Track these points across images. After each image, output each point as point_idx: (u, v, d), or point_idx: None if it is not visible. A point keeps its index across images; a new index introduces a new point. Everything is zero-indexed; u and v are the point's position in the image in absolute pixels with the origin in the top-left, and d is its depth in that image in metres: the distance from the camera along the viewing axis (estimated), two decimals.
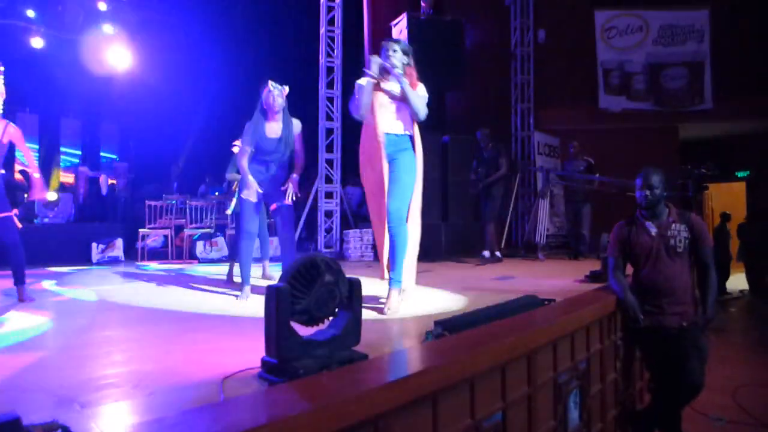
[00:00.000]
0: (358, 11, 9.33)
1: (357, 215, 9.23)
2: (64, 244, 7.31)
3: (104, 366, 2.17)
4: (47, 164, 11.39)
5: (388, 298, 3.30)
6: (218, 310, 3.56)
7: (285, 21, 9.88)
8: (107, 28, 11.10)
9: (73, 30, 10.88)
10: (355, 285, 2.05)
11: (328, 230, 8.47)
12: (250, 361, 2.03)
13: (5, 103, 11.51)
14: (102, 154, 12.33)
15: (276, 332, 1.84)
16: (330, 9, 8.49)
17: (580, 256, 7.36)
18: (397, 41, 3.43)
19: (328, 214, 8.50)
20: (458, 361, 1.97)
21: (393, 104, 3.37)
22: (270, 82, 3.87)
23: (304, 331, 1.96)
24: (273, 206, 4.04)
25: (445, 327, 2.60)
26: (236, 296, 3.94)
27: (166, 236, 7.89)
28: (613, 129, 9.95)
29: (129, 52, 11.10)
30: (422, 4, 8.93)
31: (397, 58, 3.32)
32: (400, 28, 8.78)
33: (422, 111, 3.33)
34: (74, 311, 3.64)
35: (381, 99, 3.38)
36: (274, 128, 3.95)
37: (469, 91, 9.34)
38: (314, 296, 1.91)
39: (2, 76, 7.48)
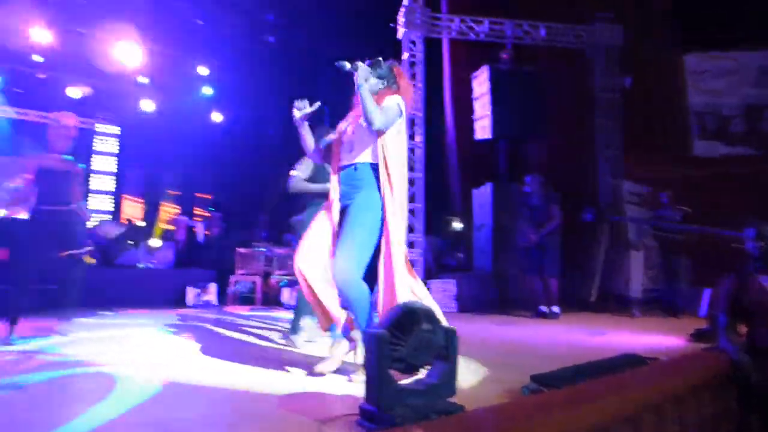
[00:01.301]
0: (439, 64, 9.60)
1: (439, 265, 9.20)
2: (163, 288, 7.79)
3: (199, 406, 2.27)
4: (151, 215, 12.38)
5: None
6: (309, 353, 3.62)
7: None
8: (207, 90, 12.14)
9: (177, 93, 11.99)
10: (451, 335, 2.05)
11: None
12: (343, 405, 2.05)
13: (121, 159, 12.70)
14: (197, 206, 13.21)
15: (375, 379, 1.85)
16: (412, 64, 8.80)
17: (678, 313, 6.87)
18: (370, 65, 2.93)
19: (411, 264, 8.53)
20: (557, 421, 1.89)
21: (352, 133, 2.92)
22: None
23: (398, 378, 1.97)
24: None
25: (542, 382, 2.51)
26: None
27: (254, 282, 8.22)
28: (709, 175, 9.39)
29: (220, 113, 12.12)
30: (503, 56, 9.06)
31: (369, 86, 2.87)
32: (481, 79, 8.93)
33: (374, 117, 2.72)
34: (172, 350, 3.84)
35: (340, 132, 3.02)
36: None
37: (550, 140, 9.25)
38: (412, 344, 1.92)
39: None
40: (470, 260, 9.18)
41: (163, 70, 11.52)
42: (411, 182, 8.63)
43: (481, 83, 8.93)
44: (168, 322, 5.57)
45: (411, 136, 8.72)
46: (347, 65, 2.84)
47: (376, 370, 1.85)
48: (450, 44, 9.46)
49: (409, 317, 1.93)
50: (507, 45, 9.06)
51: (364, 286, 2.74)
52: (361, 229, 2.74)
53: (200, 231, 9.54)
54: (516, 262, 7.96)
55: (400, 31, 8.82)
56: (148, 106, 12.03)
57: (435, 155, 9.23)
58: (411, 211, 8.61)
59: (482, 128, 8.80)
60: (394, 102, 2.84)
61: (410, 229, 8.61)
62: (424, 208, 8.69)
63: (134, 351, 3.73)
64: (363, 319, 2.73)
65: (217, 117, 12.45)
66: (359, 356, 2.79)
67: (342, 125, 3.05)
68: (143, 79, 11.63)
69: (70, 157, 4.25)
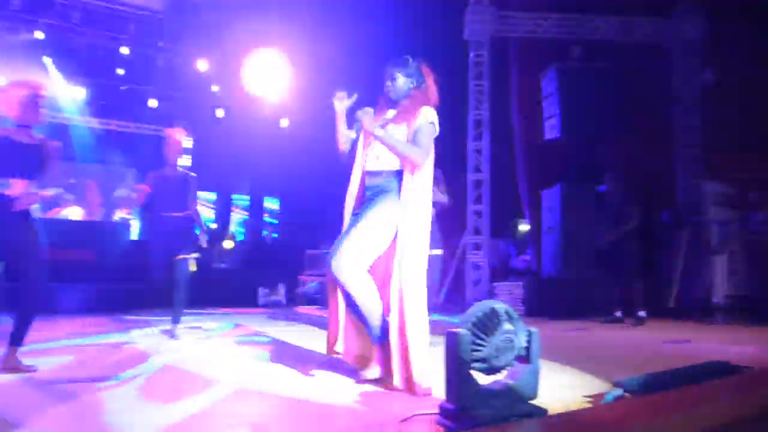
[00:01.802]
0: (505, 63, 9.42)
1: (505, 268, 9.03)
2: (235, 287, 8.08)
3: (278, 405, 2.32)
4: (225, 216, 12.89)
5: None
6: None
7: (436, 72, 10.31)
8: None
9: (246, 100, 12.43)
10: (534, 336, 1.99)
11: (477, 283, 8.36)
12: (421, 404, 2.04)
13: (194, 164, 13.27)
14: (266, 210, 13.65)
15: (456, 379, 1.83)
16: (478, 64, 8.70)
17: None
18: (399, 64, 2.83)
19: (477, 267, 8.41)
20: (645, 428, 1.80)
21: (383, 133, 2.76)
22: None
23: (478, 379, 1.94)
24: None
25: (627, 389, 2.40)
26: None
27: (321, 283, 8.36)
28: None
29: (287, 118, 12.45)
30: (573, 53, 8.79)
31: (398, 86, 2.80)
32: (550, 78, 8.71)
33: (414, 158, 2.62)
34: (247, 349, 3.97)
35: (366, 137, 2.86)
36: None
37: (624, 139, 8.87)
38: (493, 345, 1.89)
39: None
40: (538, 263, 8.95)
41: (233, 77, 11.98)
42: (477, 184, 8.52)
43: (549, 82, 8.70)
44: (241, 321, 5.77)
45: (476, 137, 8.62)
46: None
47: (457, 369, 1.83)
48: (517, 42, 9.26)
49: (490, 317, 1.90)
50: (577, 41, 8.78)
51: (370, 284, 2.59)
52: (367, 228, 2.62)
53: (269, 233, 9.83)
54: (588, 265, 7.69)
55: (467, 31, 8.74)
56: (220, 113, 12.54)
57: (501, 156, 9.07)
58: (477, 213, 8.51)
59: (551, 128, 8.57)
60: (427, 122, 2.71)
61: (475, 232, 8.50)
62: (490, 210, 8.56)
63: (213, 349, 3.88)
64: (370, 322, 2.58)
65: (284, 122, 12.80)
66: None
67: (382, 115, 2.89)
68: (215, 87, 12.14)
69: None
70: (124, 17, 10.12)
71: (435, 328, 2.66)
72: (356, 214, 2.74)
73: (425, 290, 2.59)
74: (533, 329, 2.01)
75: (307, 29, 10.67)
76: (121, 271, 7.65)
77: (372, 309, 2.58)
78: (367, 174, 2.80)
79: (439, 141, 4.14)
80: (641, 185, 7.74)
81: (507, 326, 1.91)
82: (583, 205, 7.98)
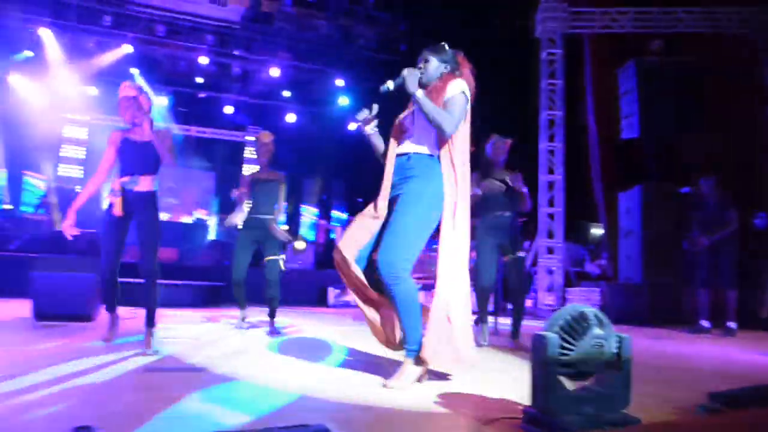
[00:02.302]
0: (579, 61, 9.12)
1: (580, 272, 8.72)
2: (306, 287, 8.27)
3: (359, 405, 2.34)
4: (294, 219, 13.24)
5: (401, 368, 2.58)
6: None
7: (498, 72, 10.10)
8: (344, 101, 12.73)
9: (316, 104, 12.75)
10: (625, 342, 1.90)
11: (550, 288, 8.12)
12: (502, 408, 2.00)
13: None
14: (336, 210, 13.89)
15: (542, 383, 1.79)
16: (550, 63, 8.47)
17: None
18: (434, 49, 2.75)
19: (549, 271, 8.18)
20: None
21: (412, 122, 2.70)
22: (494, 135, 4.01)
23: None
24: (507, 258, 4.11)
25: (724, 402, 2.25)
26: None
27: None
28: None
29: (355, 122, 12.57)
30: (652, 47, 8.39)
31: (430, 69, 2.70)
32: (627, 75, 8.34)
33: (443, 123, 2.51)
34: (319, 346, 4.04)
35: (400, 121, 2.79)
36: (498, 178, 4.04)
37: (709, 137, 8.34)
38: (582, 349, 1.82)
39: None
40: (615, 268, 8.58)
41: (304, 83, 12.32)
42: (550, 185, 8.30)
43: (627, 78, 8.34)
44: (311, 321, 5.89)
45: (549, 138, 8.40)
46: (390, 84, 2.63)
47: (543, 373, 1.78)
48: (592, 39, 8.94)
49: (579, 321, 1.83)
50: (656, 35, 8.37)
51: (413, 284, 2.53)
52: (408, 220, 2.52)
53: (338, 234, 10.00)
54: (670, 270, 7.28)
55: (538, 29, 8.54)
56: (291, 117, 12.92)
57: (575, 157, 8.78)
58: (550, 216, 8.28)
59: (629, 126, 8.21)
60: (458, 91, 2.60)
61: (549, 235, 8.28)
62: (564, 212, 8.31)
63: (282, 348, 3.99)
64: (410, 322, 2.54)
65: (352, 126, 13.00)
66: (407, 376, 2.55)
67: (401, 115, 2.83)
68: (287, 93, 12.53)
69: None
70: (203, 29, 10.65)
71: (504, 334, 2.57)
72: (392, 200, 2.65)
73: (467, 277, 2.61)
74: (625, 336, 1.92)
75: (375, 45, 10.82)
76: (200, 269, 8.04)
77: (411, 309, 2.54)
78: (396, 158, 2.71)
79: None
80: (729, 187, 7.26)
81: (597, 331, 1.84)
82: (664, 207, 7.57)
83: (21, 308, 4.69)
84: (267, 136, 4.63)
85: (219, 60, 11.39)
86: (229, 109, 12.71)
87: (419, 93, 2.55)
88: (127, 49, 10.57)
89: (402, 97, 2.74)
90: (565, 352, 1.79)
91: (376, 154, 2.87)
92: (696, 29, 8.37)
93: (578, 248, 9.53)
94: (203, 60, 11.03)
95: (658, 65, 8.19)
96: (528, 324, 5.57)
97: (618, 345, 1.90)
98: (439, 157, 2.61)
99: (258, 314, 5.18)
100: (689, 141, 8.59)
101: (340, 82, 12.31)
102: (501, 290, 5.44)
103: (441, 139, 2.59)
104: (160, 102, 11.72)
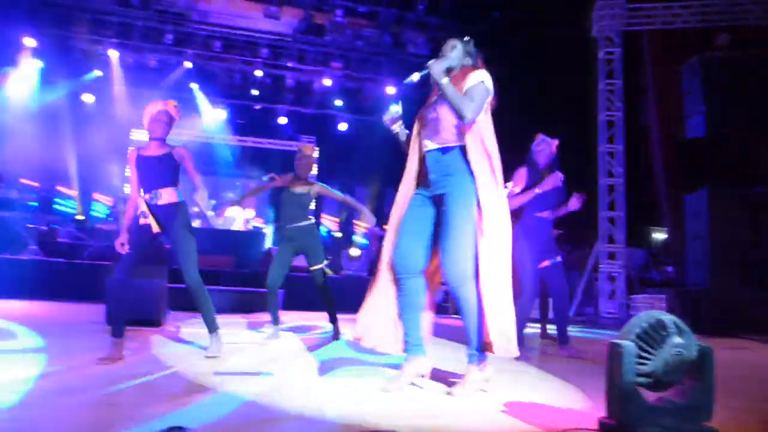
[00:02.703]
0: (638, 59, 8.80)
1: (643, 278, 8.37)
2: (362, 294, 8.29)
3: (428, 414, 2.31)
4: (347, 227, 13.38)
5: (465, 375, 2.56)
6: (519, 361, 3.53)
7: (553, 73, 9.88)
8: (395, 107, 12.78)
9: (369, 112, 12.86)
10: (707, 352, 1.80)
11: (611, 295, 7.82)
12: (572, 418, 1.92)
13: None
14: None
15: (619, 393, 1.71)
16: (608, 62, 8.22)
17: None
18: (461, 39, 2.75)
19: (611, 278, 7.88)
20: None
21: (434, 112, 2.66)
22: (539, 135, 3.92)
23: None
24: (546, 262, 4.01)
25: None
26: None
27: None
28: None
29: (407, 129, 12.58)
30: (718, 42, 7.98)
31: (456, 56, 2.68)
32: (692, 72, 7.97)
33: (464, 108, 2.48)
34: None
35: (423, 114, 2.75)
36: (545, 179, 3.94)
37: None
38: (661, 359, 1.73)
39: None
40: (682, 274, 8.17)
41: (355, 92, 12.47)
42: (610, 189, 8.03)
43: (691, 75, 7.97)
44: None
45: (609, 139, 8.13)
46: (416, 76, 2.62)
47: (619, 383, 1.70)
48: (651, 36, 8.61)
49: (657, 329, 1.75)
50: (721, 29, 7.97)
51: (474, 286, 2.53)
52: (467, 224, 2.52)
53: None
54: (742, 277, 6.85)
55: (595, 28, 8.31)
56: (342, 126, 13.09)
57: (635, 158, 8.46)
58: (610, 220, 8.01)
59: (695, 125, 7.82)
60: (479, 80, 2.59)
61: (610, 240, 8.00)
62: (625, 216, 8.00)
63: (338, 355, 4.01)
64: (473, 325, 2.54)
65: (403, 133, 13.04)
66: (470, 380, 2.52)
67: (423, 109, 2.78)
68: (338, 102, 12.71)
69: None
70: (258, 43, 10.97)
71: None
72: (435, 197, 2.64)
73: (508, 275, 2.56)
74: (707, 345, 1.81)
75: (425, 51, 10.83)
76: (256, 276, 8.23)
77: (474, 319, 2.54)
78: (428, 154, 2.68)
79: (564, 144, 3.99)
80: None
81: (677, 339, 1.75)
82: (735, 210, 7.15)
83: (94, 313, 4.93)
84: (310, 149, 4.59)
85: (273, 72, 11.69)
86: (282, 120, 13.01)
87: (444, 80, 2.54)
88: (187, 65, 11.01)
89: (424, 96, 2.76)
90: (643, 361, 1.71)
91: (403, 149, 2.89)
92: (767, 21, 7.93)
93: (641, 253, 9.15)
94: (258, 73, 11.35)
95: (724, 61, 7.77)
96: (586, 331, 5.40)
97: (699, 354, 1.80)
98: (465, 147, 2.58)
99: (315, 320, 5.24)
100: (759, 140, 8.10)
101: (391, 90, 12.38)
102: (542, 296, 5.26)
103: (466, 127, 2.56)
104: (219, 115, 12.14)
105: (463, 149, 2.59)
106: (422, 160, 2.73)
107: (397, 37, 10.93)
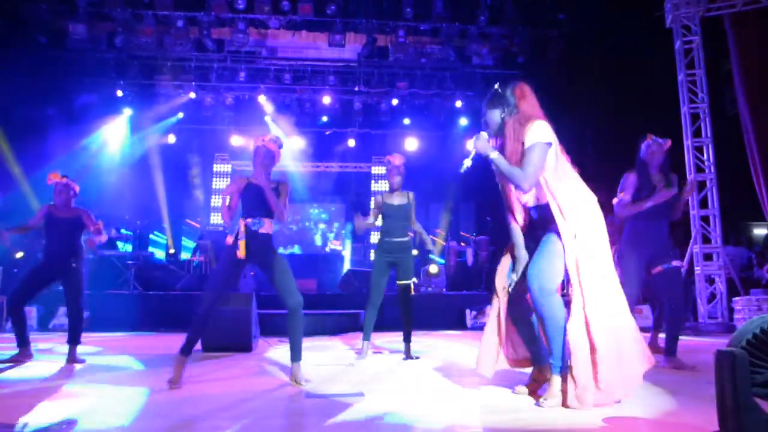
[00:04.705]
0: (720, 47, 8.23)
1: (745, 279, 7.71)
2: (442, 310, 8.25)
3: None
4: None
5: (549, 386, 2.59)
6: None
7: (626, 70, 9.45)
8: (463, 121, 12.72)
9: (438, 128, 12.88)
10: None
11: (711, 298, 7.28)
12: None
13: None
14: (464, 231, 13.79)
15: (733, 406, 1.58)
16: (687, 51, 7.76)
17: None
18: (488, 102, 2.74)
19: (710, 280, 7.34)
20: None
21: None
22: (650, 136, 3.73)
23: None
24: (659, 268, 3.77)
25: None
26: None
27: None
28: None
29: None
30: None
31: (492, 121, 2.71)
32: None
33: (520, 182, 2.56)
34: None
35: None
36: (658, 180, 3.75)
37: None
38: None
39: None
40: None
41: (423, 109, 12.52)
42: (701, 185, 7.53)
43: None
44: (454, 344, 5.83)
45: (694, 133, 7.64)
46: (468, 162, 2.72)
47: (733, 395, 1.58)
48: (734, 19, 8.04)
49: None
50: None
51: (561, 306, 2.57)
52: (555, 245, 2.59)
53: (469, 255, 9.88)
54: None
55: (669, 18, 7.89)
56: (412, 144, 13.17)
57: (728, 151, 7.87)
58: (704, 219, 7.49)
59: None
60: (535, 140, 2.57)
61: (705, 240, 7.47)
62: (720, 213, 7.46)
63: (421, 372, 3.98)
64: (557, 340, 2.55)
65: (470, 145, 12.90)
66: None
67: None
68: (407, 121, 12.81)
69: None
70: (325, 71, 11.34)
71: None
72: (532, 237, 2.76)
73: (614, 294, 2.53)
74: None
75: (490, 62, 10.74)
76: (339, 297, 8.39)
77: (554, 330, 2.56)
78: (531, 209, 2.79)
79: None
80: None
81: None
82: None
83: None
84: (399, 159, 4.64)
85: (341, 97, 12.01)
86: (352, 143, 13.29)
87: (494, 155, 2.62)
88: (261, 99, 11.56)
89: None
90: (758, 370, 1.58)
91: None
92: None
93: (742, 252, 8.44)
94: (326, 99, 11.70)
95: None
96: (687, 339, 5.05)
97: None
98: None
99: (390, 339, 5.25)
100: None
101: (458, 104, 12.33)
102: (656, 304, 4.98)
103: (542, 189, 2.65)
104: (294, 143, 12.60)
105: (545, 206, 2.66)
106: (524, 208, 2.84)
107: (461, 50, 10.90)
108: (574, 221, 2.55)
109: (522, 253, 2.77)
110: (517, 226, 2.83)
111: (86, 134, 11.00)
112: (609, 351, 2.42)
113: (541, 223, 2.71)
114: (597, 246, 2.56)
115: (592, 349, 2.43)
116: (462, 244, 11.15)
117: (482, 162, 2.77)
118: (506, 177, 2.62)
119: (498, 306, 2.86)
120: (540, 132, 2.59)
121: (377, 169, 14.05)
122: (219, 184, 13.36)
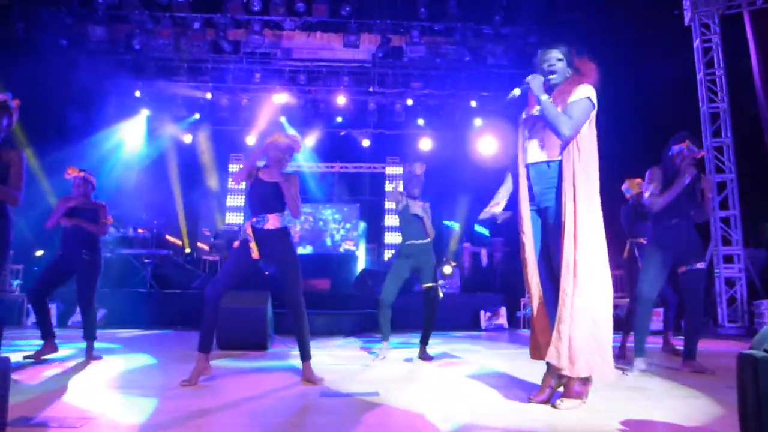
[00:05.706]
0: (741, 45, 8.08)
1: (767, 282, 7.57)
2: (457, 311, 8.22)
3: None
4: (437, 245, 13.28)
5: (567, 388, 2.56)
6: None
7: (641, 72, 9.32)
8: (477, 122, 12.65)
9: (453, 128, 12.82)
10: None
11: (731, 301, 7.16)
12: None
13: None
14: (477, 233, 13.72)
15: (758, 413, 1.55)
16: (707, 50, 7.65)
17: None
18: (564, 50, 2.76)
19: (730, 282, 7.21)
20: None
21: (541, 123, 2.68)
22: (688, 142, 3.70)
23: None
24: (683, 268, 3.73)
25: None
26: None
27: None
28: None
29: (495, 139, 12.37)
30: None
31: (560, 69, 2.71)
32: None
33: (561, 126, 2.53)
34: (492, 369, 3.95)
35: (526, 124, 2.80)
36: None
37: None
38: None
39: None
40: None
41: (437, 109, 12.48)
42: (722, 185, 7.41)
43: None
44: (471, 345, 5.80)
45: (714, 133, 7.53)
46: (517, 91, 2.71)
47: (757, 401, 1.54)
48: (754, 15, 7.89)
49: None
50: None
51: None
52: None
53: (484, 256, 9.83)
54: None
55: (688, 15, 7.78)
56: (426, 144, 13.13)
57: (749, 152, 7.73)
58: (724, 220, 7.37)
59: None
60: (584, 96, 2.60)
61: (725, 241, 7.35)
62: (741, 214, 7.33)
63: (435, 375, 3.96)
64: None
65: (489, 147, 12.81)
66: None
67: (525, 115, 2.83)
68: (421, 121, 12.78)
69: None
70: (339, 72, 11.36)
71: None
72: (541, 210, 2.70)
73: (603, 280, 2.51)
74: None
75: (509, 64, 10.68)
76: (353, 297, 8.39)
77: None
78: (530, 166, 2.74)
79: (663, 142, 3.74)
80: None
81: None
82: None
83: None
84: (420, 168, 4.64)
85: (355, 98, 12.02)
86: (366, 143, 13.29)
87: (544, 97, 2.61)
88: (276, 99, 11.62)
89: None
90: None
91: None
92: None
93: (764, 254, 8.29)
94: (341, 100, 11.72)
95: None
96: (706, 342, 4.97)
97: None
98: (560, 163, 2.61)
99: (408, 339, 5.24)
100: None
101: (473, 104, 12.27)
102: (674, 306, 4.90)
103: (569, 141, 2.58)
104: (309, 143, 12.64)
105: (559, 163, 2.63)
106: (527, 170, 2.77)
107: (476, 50, 10.85)
108: (581, 191, 2.51)
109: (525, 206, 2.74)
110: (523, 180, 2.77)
111: (105, 134, 11.15)
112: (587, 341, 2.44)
113: (537, 181, 2.69)
114: (594, 236, 2.53)
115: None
116: (466, 245, 11.05)
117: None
118: (549, 121, 2.58)
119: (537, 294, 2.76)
120: (590, 91, 2.63)
121: (391, 170, 14.02)
122: (234, 184, 13.44)
